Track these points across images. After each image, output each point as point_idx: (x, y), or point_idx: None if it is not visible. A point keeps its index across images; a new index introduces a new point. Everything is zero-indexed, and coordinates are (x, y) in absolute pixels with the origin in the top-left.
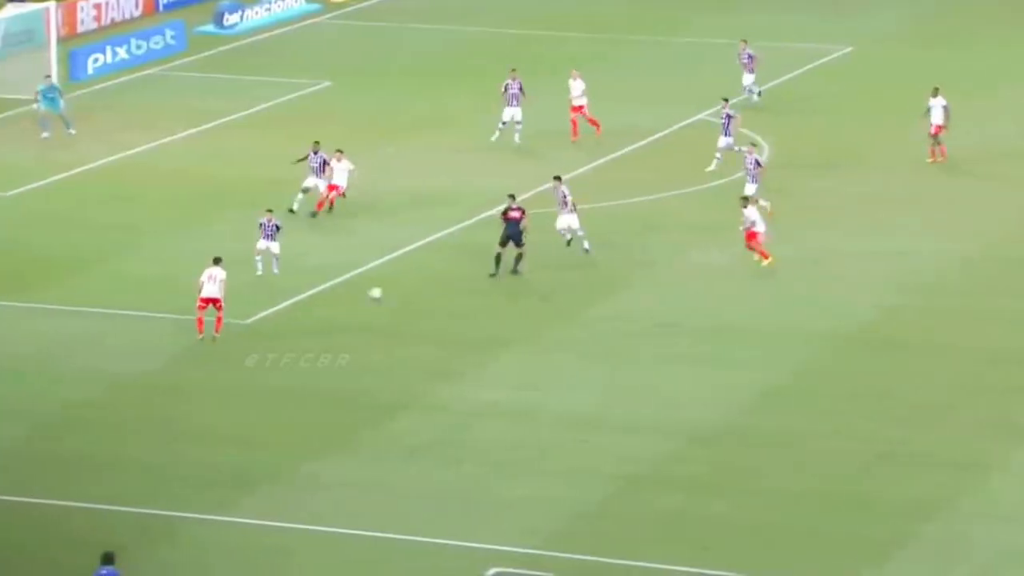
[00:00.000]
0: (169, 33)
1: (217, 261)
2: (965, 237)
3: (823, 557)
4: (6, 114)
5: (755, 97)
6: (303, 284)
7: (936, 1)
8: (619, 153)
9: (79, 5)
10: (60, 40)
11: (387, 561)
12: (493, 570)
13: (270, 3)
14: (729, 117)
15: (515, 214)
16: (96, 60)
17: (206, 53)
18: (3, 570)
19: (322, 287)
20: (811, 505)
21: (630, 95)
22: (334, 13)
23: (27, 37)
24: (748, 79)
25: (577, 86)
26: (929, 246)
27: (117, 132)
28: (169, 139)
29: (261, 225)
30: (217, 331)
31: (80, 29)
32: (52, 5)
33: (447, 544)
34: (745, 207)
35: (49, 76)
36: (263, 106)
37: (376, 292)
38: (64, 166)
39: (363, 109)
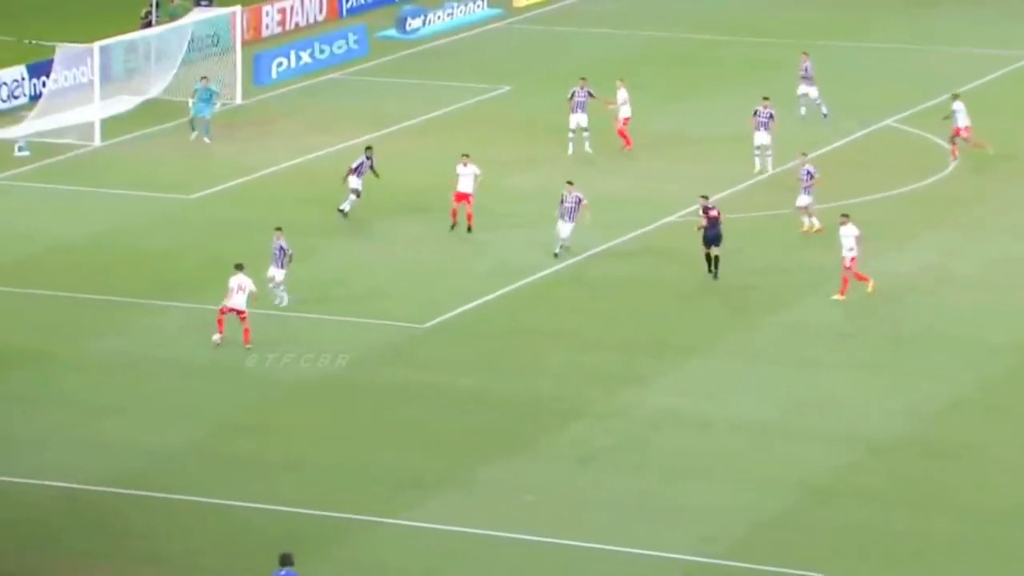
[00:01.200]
0: (352, 37)
1: (240, 267)
2: None
3: (1011, 574)
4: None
5: (823, 110)
6: (483, 287)
7: None
8: (799, 161)
9: (264, 9)
10: (245, 44)
11: (563, 568)
12: None
13: (452, 8)
14: (810, 174)
15: (714, 213)
16: (280, 64)
17: (388, 57)
18: (180, 570)
19: (503, 290)
20: (997, 520)
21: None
22: (516, 18)
23: (213, 41)
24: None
25: (621, 96)
26: None
27: (299, 136)
28: (351, 143)
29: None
30: (247, 341)
31: (265, 33)
32: (238, 9)
33: (623, 551)
34: (844, 224)
35: (206, 78)
36: (444, 110)
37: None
38: (247, 170)
39: (542, 114)
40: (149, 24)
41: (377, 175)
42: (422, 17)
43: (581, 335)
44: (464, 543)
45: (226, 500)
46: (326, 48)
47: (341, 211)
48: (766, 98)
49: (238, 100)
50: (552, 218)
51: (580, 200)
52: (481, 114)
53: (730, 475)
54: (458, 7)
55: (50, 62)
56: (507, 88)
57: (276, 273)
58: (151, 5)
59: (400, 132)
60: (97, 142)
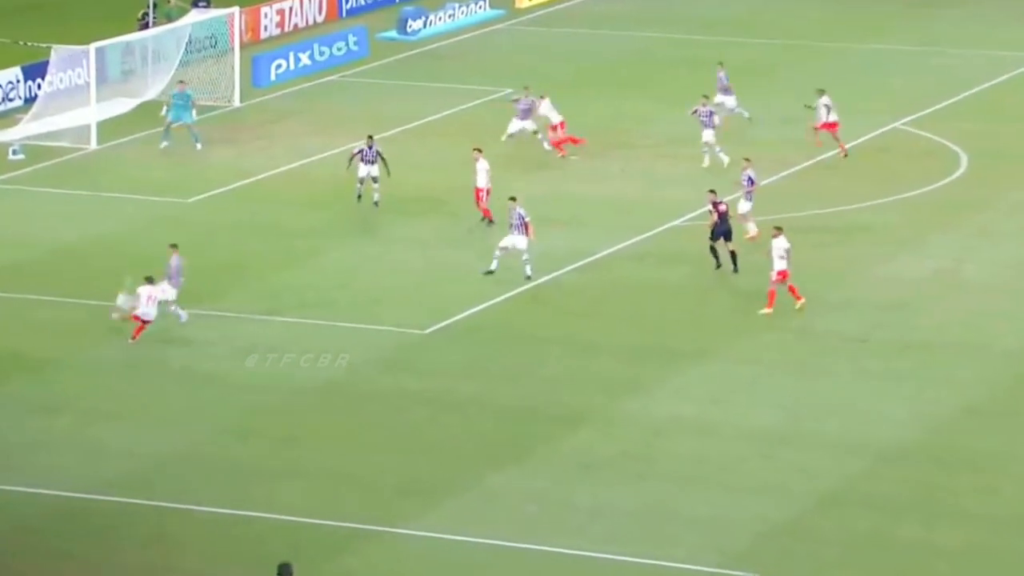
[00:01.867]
0: (352, 39)
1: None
2: None
3: None
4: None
5: (744, 114)
6: (485, 292)
7: None
8: (810, 163)
9: (262, 11)
10: (243, 46)
11: None
12: None
13: (454, 9)
14: (751, 180)
15: (723, 208)
16: (279, 66)
17: (389, 59)
18: None
19: (505, 295)
20: (1009, 530)
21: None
22: (518, 19)
23: (211, 43)
24: (708, 135)
25: (544, 105)
26: None
27: (299, 139)
28: (351, 146)
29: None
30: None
31: (263, 35)
32: (236, 11)
33: (628, 561)
34: (776, 236)
35: (183, 82)
36: (445, 113)
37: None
38: (246, 173)
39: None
40: (146, 25)
41: (388, 170)
42: (423, 18)
43: (584, 341)
44: (466, 553)
45: (225, 508)
46: (326, 50)
47: (359, 197)
48: (705, 96)
49: (236, 103)
50: (552, 222)
51: (523, 217)
52: (484, 117)
53: (736, 483)
54: (460, 8)
55: (45, 64)
56: (510, 90)
57: (169, 292)
58: (148, 6)
59: (401, 135)
60: (93, 145)
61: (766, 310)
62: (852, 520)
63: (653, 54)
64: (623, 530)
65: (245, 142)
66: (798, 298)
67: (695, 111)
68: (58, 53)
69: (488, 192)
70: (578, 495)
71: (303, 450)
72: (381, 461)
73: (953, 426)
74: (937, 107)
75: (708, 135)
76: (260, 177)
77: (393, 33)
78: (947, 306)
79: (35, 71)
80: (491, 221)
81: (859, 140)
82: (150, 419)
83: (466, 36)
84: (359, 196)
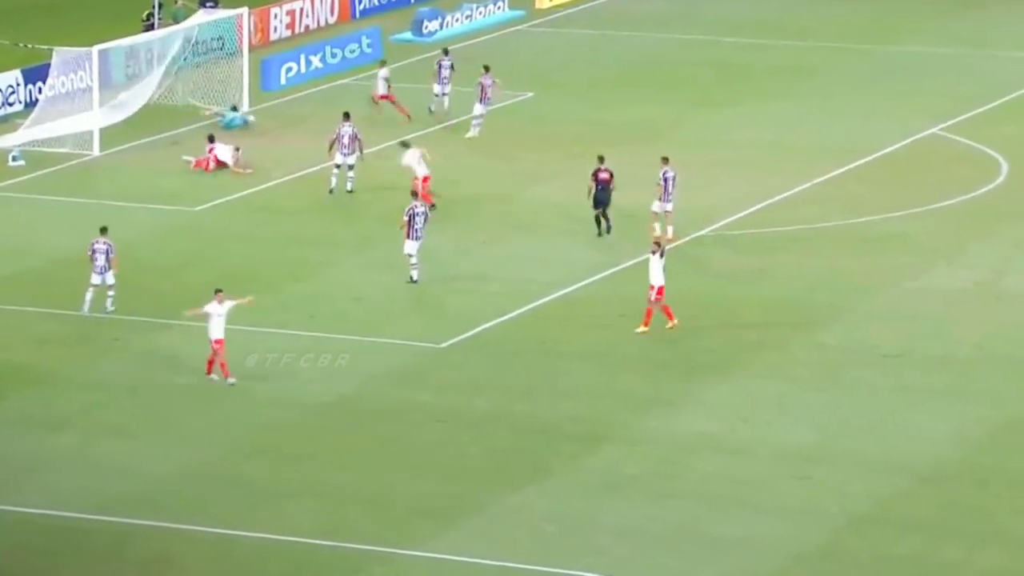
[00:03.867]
0: (365, 41)
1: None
2: None
3: None
4: (194, 126)
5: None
6: (503, 304)
7: None
8: (840, 171)
9: (272, 11)
10: (252, 48)
11: None
12: None
13: (471, 10)
14: (668, 180)
15: (604, 176)
16: (289, 69)
17: (404, 62)
18: None
19: (524, 308)
20: None
21: (849, 108)
22: (538, 20)
23: (219, 45)
24: (478, 108)
25: (382, 75)
26: None
27: (311, 145)
28: (366, 152)
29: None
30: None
31: (273, 37)
32: (245, 11)
33: None
34: (653, 253)
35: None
36: (462, 118)
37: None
38: (256, 180)
39: (565, 122)
40: (151, 27)
41: (362, 154)
42: (439, 19)
43: (606, 355)
44: (483, 575)
45: (232, 529)
46: (338, 52)
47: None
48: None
49: (245, 107)
50: (570, 232)
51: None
52: (502, 122)
53: (767, 504)
54: (477, 9)
55: (47, 66)
56: (529, 95)
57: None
58: (153, 7)
59: (416, 141)
60: (96, 151)
61: (642, 328)
62: (889, 543)
63: (679, 56)
64: (648, 552)
65: (255, 148)
66: (671, 318)
67: (479, 84)
68: (60, 55)
69: (427, 179)
70: (601, 515)
71: (312, 468)
72: (394, 479)
73: (994, 444)
74: (976, 112)
75: (479, 109)
76: (269, 184)
77: (408, 35)
78: (987, 319)
79: (36, 74)
80: (433, 205)
81: (894, 146)
82: (155, 436)
83: (484, 38)
84: (331, 190)
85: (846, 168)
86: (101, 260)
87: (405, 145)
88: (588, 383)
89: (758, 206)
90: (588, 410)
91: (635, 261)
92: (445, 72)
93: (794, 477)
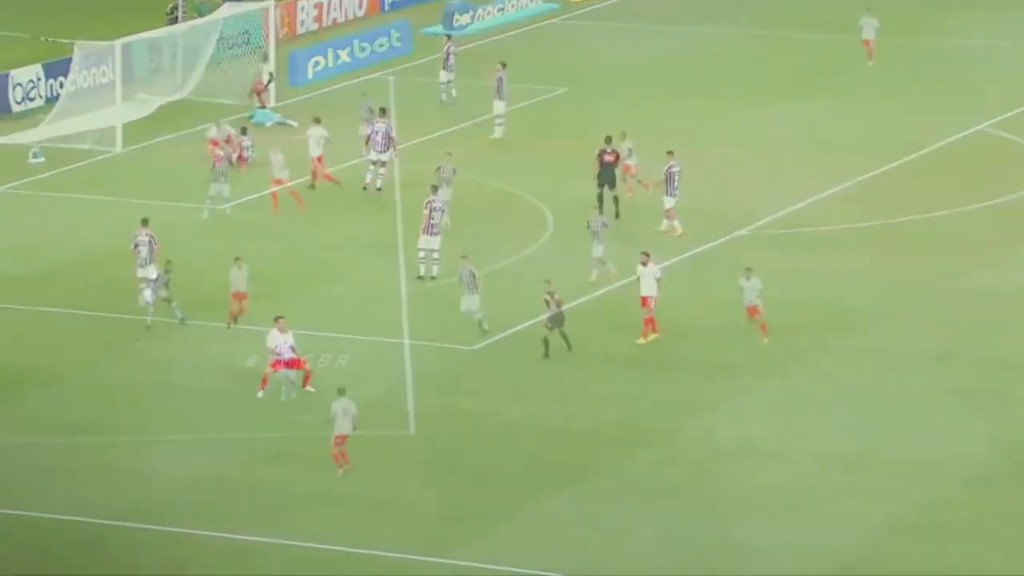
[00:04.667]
0: (395, 34)
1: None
2: None
3: None
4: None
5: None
6: (536, 308)
7: None
8: (884, 168)
9: (299, 5)
10: (279, 42)
11: None
12: None
13: (503, 2)
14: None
15: (609, 158)
16: (317, 64)
17: (434, 56)
18: None
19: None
20: None
21: (894, 104)
22: (572, 13)
23: (244, 39)
24: (499, 107)
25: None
26: None
27: (338, 141)
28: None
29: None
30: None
31: (300, 30)
32: (272, 4)
33: None
34: (644, 264)
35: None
36: (482, 117)
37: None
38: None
39: (599, 117)
40: (175, 20)
41: (396, 152)
42: (471, 12)
43: (643, 358)
44: None
45: (251, 536)
46: (367, 46)
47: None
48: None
49: (272, 102)
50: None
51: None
52: (535, 118)
53: (809, 511)
54: (509, 1)
55: (68, 61)
56: (564, 90)
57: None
58: (177, 0)
59: (446, 137)
60: (118, 148)
61: (642, 340)
62: (935, 552)
63: (715, 50)
64: (687, 561)
65: (281, 144)
66: (653, 331)
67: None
68: (82, 50)
69: (320, 159)
70: (639, 522)
71: (334, 475)
72: (424, 486)
73: None
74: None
75: (499, 107)
76: (298, 181)
77: (439, 28)
78: None
79: (57, 69)
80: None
81: (942, 143)
82: (175, 440)
83: (517, 32)
84: (364, 187)
85: (890, 166)
86: (144, 252)
87: (317, 121)
88: (625, 387)
89: (799, 204)
90: (625, 414)
91: (668, 263)
92: (451, 60)
93: (836, 483)
